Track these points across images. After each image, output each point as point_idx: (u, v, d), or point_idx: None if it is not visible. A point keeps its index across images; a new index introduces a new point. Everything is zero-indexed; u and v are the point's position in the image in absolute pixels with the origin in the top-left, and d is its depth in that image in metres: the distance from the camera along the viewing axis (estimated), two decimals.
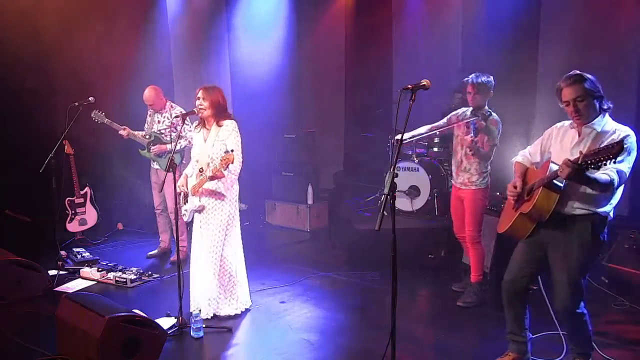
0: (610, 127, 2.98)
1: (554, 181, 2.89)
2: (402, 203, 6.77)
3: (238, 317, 4.28)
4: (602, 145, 2.66)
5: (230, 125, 4.12)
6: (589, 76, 2.97)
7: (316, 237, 6.77)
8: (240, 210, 4.37)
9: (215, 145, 4.09)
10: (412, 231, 6.01)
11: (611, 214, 3.04)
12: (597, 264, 4.96)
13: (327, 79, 8.79)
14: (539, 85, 6.27)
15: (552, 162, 3.02)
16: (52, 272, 5.13)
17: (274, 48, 8.07)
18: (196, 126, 4.30)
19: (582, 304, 3.10)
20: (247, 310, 4.38)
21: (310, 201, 6.97)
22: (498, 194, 6.15)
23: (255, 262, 4.83)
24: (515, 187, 3.22)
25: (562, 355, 3.49)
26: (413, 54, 7.76)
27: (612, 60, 5.78)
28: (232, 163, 3.85)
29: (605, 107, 3.00)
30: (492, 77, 4.28)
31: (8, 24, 5.79)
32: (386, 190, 2.68)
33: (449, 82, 6.22)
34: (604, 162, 2.58)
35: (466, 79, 4.30)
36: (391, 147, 7.10)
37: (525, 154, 3.38)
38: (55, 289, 4.90)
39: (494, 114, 4.29)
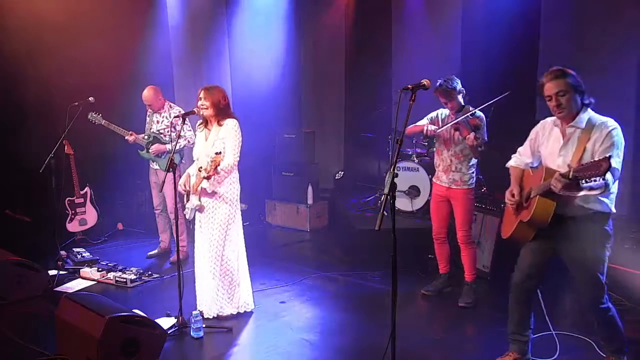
0: (595, 121, 2.98)
1: (550, 189, 2.89)
2: (402, 203, 6.78)
3: (238, 317, 4.28)
4: (590, 162, 2.66)
5: (230, 124, 4.13)
6: (571, 71, 3.00)
7: (316, 237, 6.76)
8: (240, 210, 4.37)
9: (216, 144, 4.09)
10: (412, 231, 6.01)
11: (613, 208, 3.05)
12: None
13: (327, 79, 8.79)
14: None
15: (546, 166, 3.05)
16: (52, 272, 5.12)
17: (274, 48, 8.07)
18: (199, 125, 4.31)
19: (605, 298, 3.09)
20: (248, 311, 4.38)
21: (310, 201, 6.96)
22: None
23: (255, 262, 4.82)
24: (513, 196, 3.22)
25: (556, 355, 3.50)
26: (413, 54, 7.76)
27: (613, 59, 5.79)
28: (219, 165, 3.88)
29: (586, 102, 3.01)
30: (455, 77, 4.24)
31: (8, 23, 5.79)
32: (386, 190, 2.68)
33: None
34: (594, 178, 2.62)
35: (436, 87, 4.18)
36: (391, 147, 7.12)
37: (517, 157, 3.40)
38: (55, 289, 4.89)
39: (477, 111, 4.25)
